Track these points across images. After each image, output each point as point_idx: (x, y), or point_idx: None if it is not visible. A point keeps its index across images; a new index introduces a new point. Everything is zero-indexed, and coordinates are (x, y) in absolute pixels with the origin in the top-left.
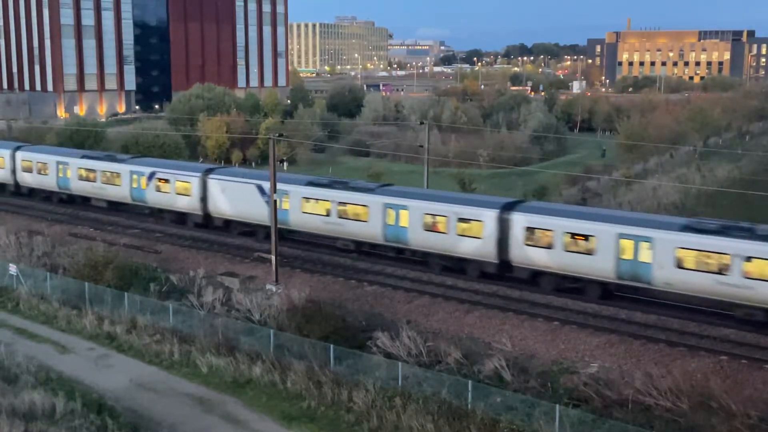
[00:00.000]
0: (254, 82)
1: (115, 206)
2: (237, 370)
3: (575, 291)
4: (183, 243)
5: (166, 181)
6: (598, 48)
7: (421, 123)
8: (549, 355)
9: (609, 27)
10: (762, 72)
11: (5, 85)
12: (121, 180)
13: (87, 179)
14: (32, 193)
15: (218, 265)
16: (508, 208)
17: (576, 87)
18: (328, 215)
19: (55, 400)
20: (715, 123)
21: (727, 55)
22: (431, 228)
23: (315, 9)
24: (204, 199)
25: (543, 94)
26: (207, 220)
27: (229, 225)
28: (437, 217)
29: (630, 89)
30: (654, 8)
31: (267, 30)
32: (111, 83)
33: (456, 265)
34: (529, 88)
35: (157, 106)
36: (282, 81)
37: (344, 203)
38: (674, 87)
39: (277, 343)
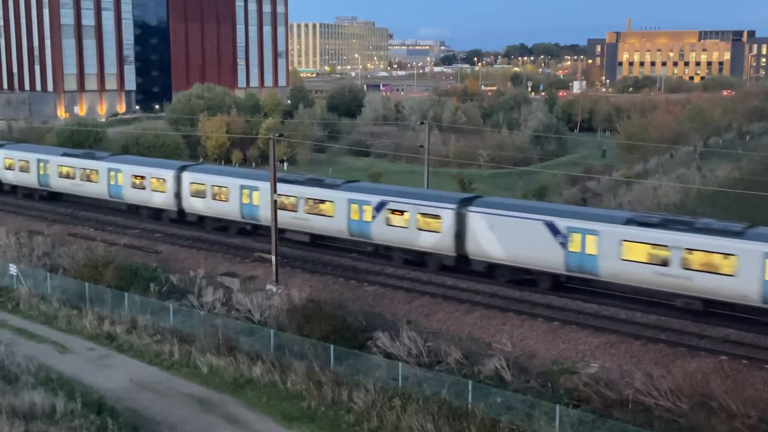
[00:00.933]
0: (254, 82)
1: (321, 239)
2: (237, 371)
3: None
4: (183, 243)
5: (402, 213)
6: (599, 48)
7: (421, 123)
8: (549, 355)
9: (609, 27)
10: (762, 72)
11: (5, 85)
12: (335, 209)
13: (284, 207)
14: (201, 221)
15: (218, 265)
16: None
17: (576, 87)
18: (665, 265)
19: (55, 400)
20: (716, 123)
21: (727, 55)
22: None
23: (315, 9)
24: (460, 236)
25: (543, 94)
26: (461, 262)
27: (494, 269)
28: None
29: (630, 89)
30: (654, 8)
31: (267, 30)
32: (111, 83)
33: None
34: (530, 90)
35: (157, 106)
36: (282, 81)
37: (693, 249)
38: (674, 87)
39: (277, 343)
